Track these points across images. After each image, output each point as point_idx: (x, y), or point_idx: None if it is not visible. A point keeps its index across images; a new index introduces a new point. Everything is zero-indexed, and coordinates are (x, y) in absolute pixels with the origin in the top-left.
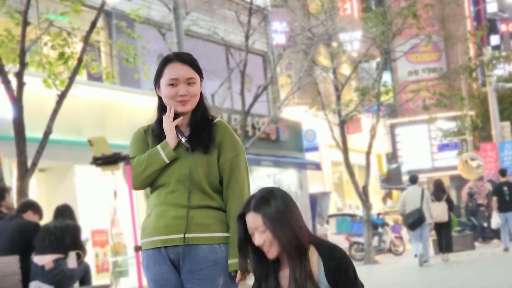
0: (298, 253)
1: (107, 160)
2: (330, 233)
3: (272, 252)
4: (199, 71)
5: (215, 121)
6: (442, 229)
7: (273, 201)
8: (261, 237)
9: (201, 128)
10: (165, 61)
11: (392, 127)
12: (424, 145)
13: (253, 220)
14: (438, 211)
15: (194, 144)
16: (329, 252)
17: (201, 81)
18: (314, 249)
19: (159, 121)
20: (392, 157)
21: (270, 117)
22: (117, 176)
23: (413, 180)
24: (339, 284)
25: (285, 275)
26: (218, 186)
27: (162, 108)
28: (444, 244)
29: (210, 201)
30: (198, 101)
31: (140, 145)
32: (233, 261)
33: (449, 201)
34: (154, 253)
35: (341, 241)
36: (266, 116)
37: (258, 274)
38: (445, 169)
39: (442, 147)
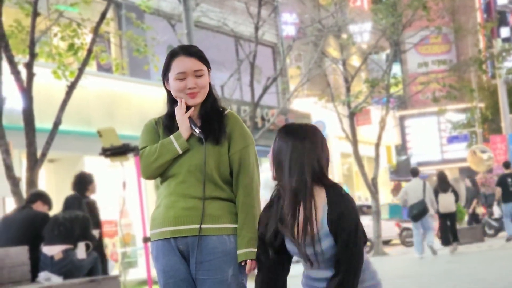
0: (300, 186)
1: (116, 151)
2: (382, 218)
3: None
4: (206, 62)
5: (226, 112)
6: (449, 219)
7: (301, 131)
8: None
9: (212, 119)
10: (172, 55)
11: (402, 119)
12: (434, 137)
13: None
14: (445, 202)
15: (205, 135)
16: (336, 198)
17: (209, 72)
18: (324, 192)
19: (169, 114)
20: (402, 149)
21: (279, 109)
22: (126, 167)
23: (415, 173)
24: (338, 232)
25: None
26: (228, 177)
27: (172, 101)
28: (452, 235)
29: (220, 192)
30: (207, 92)
31: (152, 136)
32: (243, 251)
33: (455, 192)
34: (164, 244)
35: (391, 227)
36: (275, 107)
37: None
38: (455, 161)
39: (452, 139)
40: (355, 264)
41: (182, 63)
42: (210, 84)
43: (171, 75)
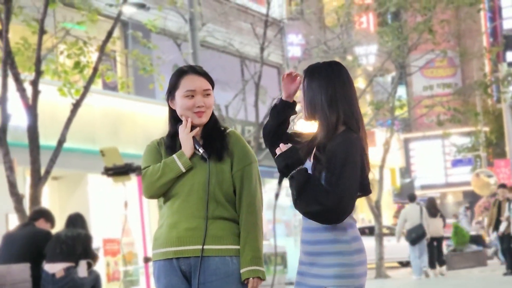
0: (319, 129)
1: (119, 171)
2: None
3: (303, 113)
4: (212, 83)
5: (227, 131)
6: (437, 243)
7: (321, 70)
8: (299, 96)
9: (214, 138)
10: (180, 73)
11: (406, 142)
12: (438, 160)
13: (300, 79)
14: (434, 227)
15: (208, 152)
16: (336, 141)
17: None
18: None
19: (171, 134)
20: (406, 171)
21: None
22: (128, 187)
23: (412, 198)
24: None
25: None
26: (232, 195)
27: (174, 121)
28: (438, 259)
29: (224, 212)
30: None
31: (153, 156)
32: (246, 269)
33: (443, 218)
34: (166, 264)
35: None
36: None
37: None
38: (458, 185)
39: (456, 163)
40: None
41: (192, 81)
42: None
43: (179, 93)
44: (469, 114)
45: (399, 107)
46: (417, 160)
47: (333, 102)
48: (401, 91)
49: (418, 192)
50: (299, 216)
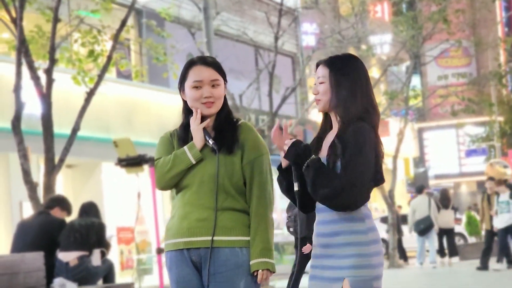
0: (343, 119)
1: (132, 162)
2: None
3: (320, 105)
4: (223, 74)
5: (239, 122)
6: (447, 235)
7: (344, 63)
8: (318, 87)
9: (225, 130)
10: (189, 65)
11: (420, 131)
12: (452, 150)
13: (320, 71)
14: (445, 218)
15: (219, 145)
16: (354, 128)
17: (225, 84)
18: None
19: (183, 125)
20: (420, 161)
21: (297, 119)
22: (141, 178)
23: (420, 190)
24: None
25: (328, 137)
26: (242, 187)
27: (187, 112)
28: (449, 250)
29: (234, 203)
30: (223, 104)
31: (166, 147)
32: (255, 261)
33: (455, 209)
34: (177, 255)
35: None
36: (293, 117)
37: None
38: (472, 175)
39: (470, 153)
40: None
41: (199, 72)
42: (225, 96)
43: (187, 84)
44: (484, 104)
45: (413, 97)
46: (431, 149)
47: (354, 96)
48: (416, 80)
49: (432, 182)
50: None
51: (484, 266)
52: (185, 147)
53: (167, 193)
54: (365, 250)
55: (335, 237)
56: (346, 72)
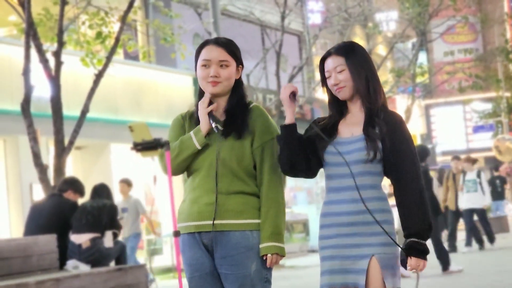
0: (371, 101)
1: (147, 146)
2: None
3: (344, 92)
4: (235, 56)
5: (251, 106)
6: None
7: (356, 49)
8: (339, 76)
9: (236, 114)
10: (202, 45)
11: (427, 108)
12: (459, 126)
13: (334, 60)
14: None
15: (229, 130)
16: (392, 113)
17: (240, 69)
18: (382, 113)
19: (197, 106)
20: (427, 138)
21: (305, 98)
22: (157, 162)
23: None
24: (394, 139)
25: (347, 121)
26: (252, 171)
27: (200, 93)
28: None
29: (244, 186)
30: (235, 88)
31: (176, 132)
32: (265, 245)
33: None
34: (189, 238)
35: None
36: (301, 96)
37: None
38: (480, 151)
39: (477, 129)
40: None
41: (209, 51)
42: (240, 81)
43: (198, 64)
44: (491, 80)
45: (421, 74)
46: (438, 126)
47: (377, 81)
48: (422, 57)
49: (439, 158)
50: (321, 183)
51: (452, 249)
52: (191, 132)
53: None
54: (391, 228)
55: (364, 215)
56: (361, 58)
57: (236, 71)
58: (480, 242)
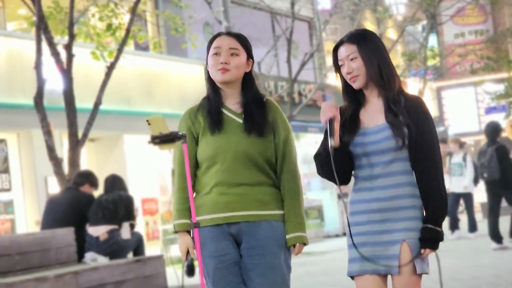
0: (386, 88)
1: (165, 139)
2: None
3: (358, 81)
4: (246, 48)
5: (265, 99)
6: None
7: (368, 36)
8: (351, 64)
9: (255, 110)
10: (213, 37)
11: (439, 90)
12: (471, 108)
13: (347, 49)
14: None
15: (250, 126)
16: (414, 98)
17: (251, 63)
18: (402, 97)
19: (208, 97)
20: (439, 120)
21: (316, 84)
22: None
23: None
24: (418, 125)
25: (367, 111)
26: (274, 163)
27: (211, 85)
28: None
29: (267, 179)
30: (247, 81)
31: (184, 128)
32: (292, 235)
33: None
34: (213, 230)
35: None
36: (312, 82)
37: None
38: None
39: (490, 110)
40: None
41: (221, 40)
42: (251, 75)
43: (209, 54)
44: (502, 61)
45: (432, 57)
46: (450, 108)
47: (391, 67)
48: (432, 40)
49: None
50: None
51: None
52: (179, 222)
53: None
54: (421, 214)
55: (396, 200)
56: (373, 45)
57: (246, 63)
58: (453, 227)
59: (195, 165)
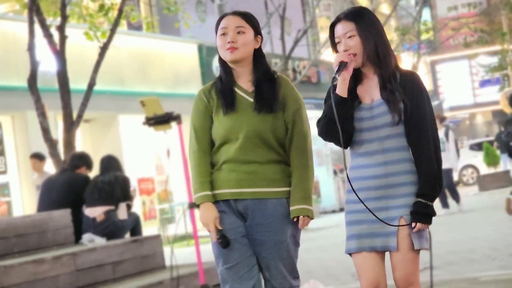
0: (382, 66)
1: (159, 120)
2: None
3: (356, 60)
4: (252, 25)
5: (276, 76)
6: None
7: (366, 14)
8: (348, 42)
9: (265, 87)
10: (220, 18)
11: (433, 64)
12: (466, 81)
13: (344, 26)
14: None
15: (261, 103)
16: (410, 74)
17: (259, 39)
18: (398, 74)
19: (220, 78)
20: (434, 94)
21: (310, 60)
22: (170, 135)
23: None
24: (413, 101)
25: (364, 86)
26: (283, 140)
27: (222, 65)
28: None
29: (278, 156)
30: (257, 58)
31: (200, 116)
32: (296, 207)
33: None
34: (221, 205)
35: None
36: (306, 59)
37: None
38: (487, 105)
39: (484, 83)
40: None
41: (227, 20)
42: (262, 52)
43: (217, 35)
44: (496, 34)
45: (425, 31)
46: (444, 82)
47: (388, 46)
48: (426, 14)
49: (447, 114)
50: (330, 145)
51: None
52: (200, 195)
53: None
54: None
55: (394, 177)
56: (371, 24)
57: (254, 40)
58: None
59: (211, 142)
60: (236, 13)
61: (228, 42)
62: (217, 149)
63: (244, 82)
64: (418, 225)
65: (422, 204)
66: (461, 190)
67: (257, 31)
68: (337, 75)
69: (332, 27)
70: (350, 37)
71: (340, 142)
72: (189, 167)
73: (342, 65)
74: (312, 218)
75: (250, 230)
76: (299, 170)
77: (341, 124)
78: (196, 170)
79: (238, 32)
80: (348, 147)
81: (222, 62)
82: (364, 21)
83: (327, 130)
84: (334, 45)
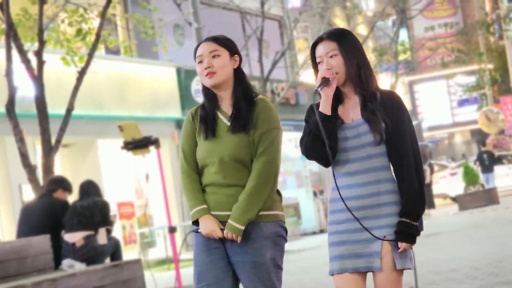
0: (364, 87)
1: (138, 144)
2: None
3: (337, 79)
4: (226, 46)
5: (256, 98)
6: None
7: (348, 35)
8: (331, 61)
9: (242, 106)
10: (196, 47)
11: (411, 84)
12: (444, 101)
13: (326, 46)
14: None
15: (236, 126)
16: (389, 94)
17: (237, 58)
18: (378, 94)
19: (203, 105)
20: (412, 114)
21: (289, 82)
22: (148, 159)
23: None
24: (393, 120)
25: (346, 107)
26: None
27: (205, 92)
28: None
29: None
30: (237, 79)
31: (187, 137)
32: (232, 224)
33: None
34: None
35: None
36: (284, 81)
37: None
38: (466, 124)
39: (462, 102)
40: None
41: (201, 48)
42: (240, 71)
43: (196, 64)
44: (473, 53)
45: (403, 51)
46: (422, 102)
47: (368, 66)
48: (402, 34)
49: (425, 134)
50: (310, 166)
51: None
52: (195, 210)
53: (176, 171)
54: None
55: (376, 197)
56: (353, 44)
57: (231, 60)
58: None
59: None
60: (209, 39)
61: (205, 68)
62: (201, 171)
63: (226, 106)
64: (403, 245)
65: (406, 224)
66: (440, 209)
67: (233, 51)
68: (319, 89)
69: (314, 47)
70: (332, 56)
71: (323, 160)
72: (182, 186)
73: (325, 81)
74: (236, 234)
75: (230, 252)
76: (245, 194)
77: (327, 139)
78: (188, 188)
79: (213, 56)
80: (331, 168)
81: (204, 89)
82: (346, 41)
83: (312, 147)
84: (315, 65)
